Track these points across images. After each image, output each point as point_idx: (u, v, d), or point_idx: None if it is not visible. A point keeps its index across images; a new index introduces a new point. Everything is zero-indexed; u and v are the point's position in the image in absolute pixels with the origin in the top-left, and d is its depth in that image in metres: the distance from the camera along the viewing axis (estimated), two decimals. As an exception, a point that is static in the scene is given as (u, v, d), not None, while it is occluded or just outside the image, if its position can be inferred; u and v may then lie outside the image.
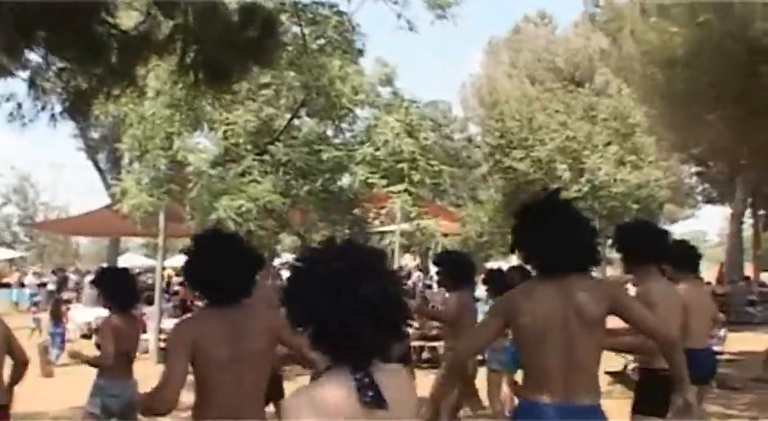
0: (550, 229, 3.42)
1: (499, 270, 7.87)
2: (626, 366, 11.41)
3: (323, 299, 2.02)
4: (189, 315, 3.40)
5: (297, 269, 2.15)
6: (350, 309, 2.00)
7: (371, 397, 2.02)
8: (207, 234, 3.78)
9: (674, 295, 4.99)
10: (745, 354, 12.58)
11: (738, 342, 13.13)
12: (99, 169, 27.32)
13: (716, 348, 12.28)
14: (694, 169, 30.96)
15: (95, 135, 28.87)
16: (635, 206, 17.25)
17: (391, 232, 16.23)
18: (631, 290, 5.26)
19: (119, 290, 5.62)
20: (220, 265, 3.37)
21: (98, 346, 5.69)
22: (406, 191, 12.14)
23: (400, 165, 12.30)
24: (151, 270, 36.24)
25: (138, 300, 6.02)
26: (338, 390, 2.03)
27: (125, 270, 7.02)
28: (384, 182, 12.28)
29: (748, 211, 28.54)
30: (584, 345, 3.33)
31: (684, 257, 5.86)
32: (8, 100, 7.05)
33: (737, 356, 12.39)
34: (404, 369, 2.25)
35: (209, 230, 4.24)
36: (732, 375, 10.75)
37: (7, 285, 28.37)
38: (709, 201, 33.71)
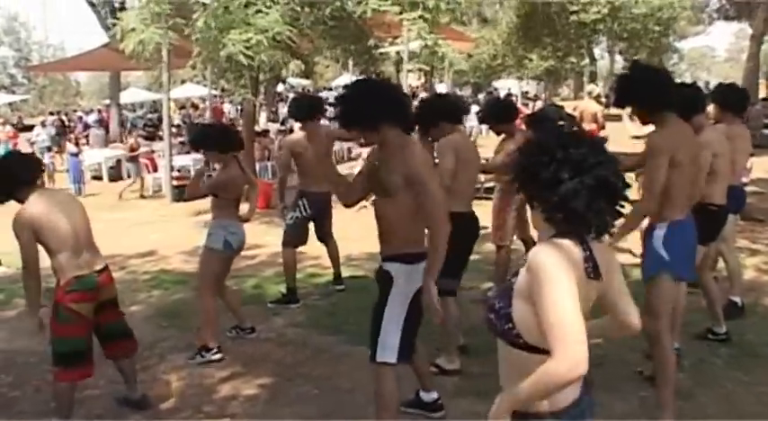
0: None
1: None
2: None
3: (569, 180, 2.22)
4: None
5: (536, 154, 2.31)
6: (593, 188, 2.23)
7: (593, 269, 2.30)
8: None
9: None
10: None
11: (758, 167, 12.96)
12: (91, 3, 26.16)
13: (743, 180, 12.21)
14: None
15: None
16: (656, 28, 16.49)
17: (396, 53, 15.59)
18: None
19: (221, 140, 6.04)
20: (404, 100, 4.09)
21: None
22: (421, 17, 11.50)
23: (413, -10, 11.61)
24: (154, 104, 36.07)
25: (239, 148, 6.38)
26: (574, 256, 2.27)
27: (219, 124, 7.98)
28: (397, 9, 11.61)
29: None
30: None
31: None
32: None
33: (762, 189, 12.21)
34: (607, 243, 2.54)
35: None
36: (756, 207, 10.60)
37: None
38: (725, 17, 32.61)
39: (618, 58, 43.16)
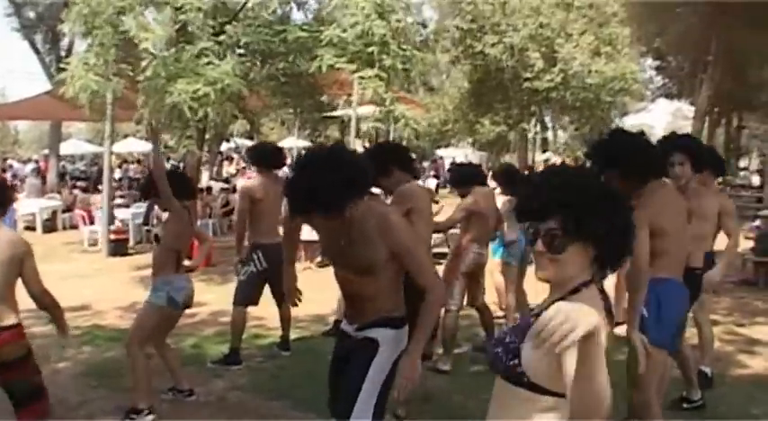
0: None
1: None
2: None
3: (621, 217, 2.15)
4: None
5: (604, 202, 2.15)
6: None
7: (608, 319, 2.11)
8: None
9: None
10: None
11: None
12: (36, 50, 25.65)
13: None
14: (653, 63, 30.74)
15: (32, 14, 27.17)
16: (608, 99, 16.71)
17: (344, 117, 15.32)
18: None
19: (174, 187, 5.55)
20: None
21: (156, 238, 5.76)
22: (377, 76, 11.33)
23: (370, 49, 11.44)
24: (94, 157, 35.31)
25: (192, 197, 6.07)
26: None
27: (176, 170, 7.00)
28: (353, 67, 11.44)
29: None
30: None
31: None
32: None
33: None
34: None
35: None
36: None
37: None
38: (667, 95, 33.52)
39: (560, 132, 44.01)
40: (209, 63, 11.12)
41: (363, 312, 3.62)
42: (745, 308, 9.66)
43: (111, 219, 15.36)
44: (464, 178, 7.23)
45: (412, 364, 3.40)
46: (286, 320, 7.33)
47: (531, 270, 8.53)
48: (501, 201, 7.84)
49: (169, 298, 5.47)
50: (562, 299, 2.08)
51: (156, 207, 15.40)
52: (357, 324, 3.65)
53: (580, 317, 1.75)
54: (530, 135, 24.58)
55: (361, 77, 11.43)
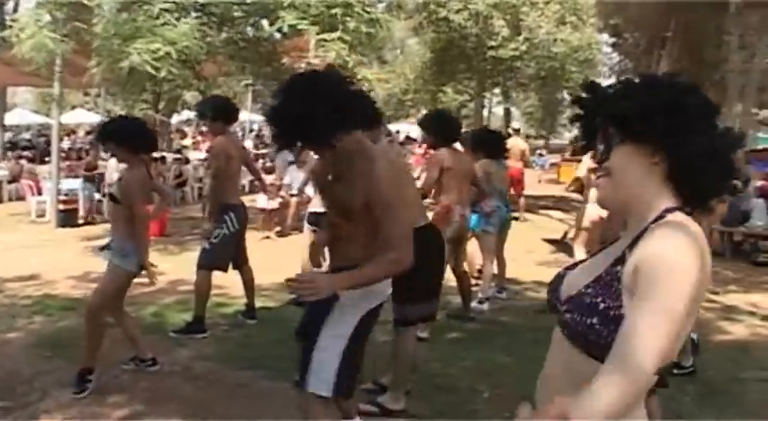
0: None
1: None
2: (565, 234, 11.20)
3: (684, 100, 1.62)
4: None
5: (654, 84, 1.66)
6: None
7: None
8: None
9: None
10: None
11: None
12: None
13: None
14: (609, 40, 30.67)
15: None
16: (573, 69, 16.60)
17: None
18: None
19: (135, 135, 5.30)
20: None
21: (112, 197, 5.32)
22: (340, 39, 10.95)
23: (333, 11, 11.05)
24: (41, 128, 34.32)
25: (152, 149, 5.68)
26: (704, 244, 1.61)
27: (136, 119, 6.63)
28: (315, 29, 11.03)
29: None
30: None
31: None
32: None
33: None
34: None
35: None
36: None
37: None
38: (623, 72, 33.53)
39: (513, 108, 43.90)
40: (164, 23, 10.67)
41: (335, 257, 3.29)
42: (716, 277, 9.55)
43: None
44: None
45: (325, 280, 2.94)
46: (250, 288, 7.00)
47: (510, 237, 8.41)
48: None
49: (139, 264, 5.16)
50: (642, 234, 1.63)
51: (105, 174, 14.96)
52: (331, 266, 3.35)
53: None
54: (486, 110, 24.50)
55: (324, 40, 11.02)
